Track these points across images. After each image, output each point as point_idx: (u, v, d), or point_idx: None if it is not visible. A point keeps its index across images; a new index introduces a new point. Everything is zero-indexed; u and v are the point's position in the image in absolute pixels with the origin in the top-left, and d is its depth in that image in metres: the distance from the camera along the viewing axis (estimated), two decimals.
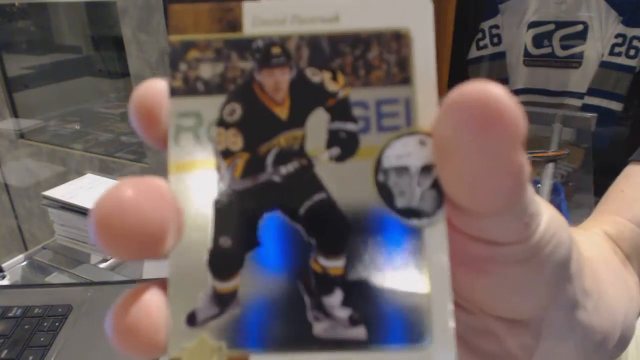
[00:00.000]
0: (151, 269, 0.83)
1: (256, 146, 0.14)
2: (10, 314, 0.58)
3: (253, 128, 0.14)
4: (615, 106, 1.17)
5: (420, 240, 0.13)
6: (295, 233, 0.14)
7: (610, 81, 1.15)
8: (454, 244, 0.15)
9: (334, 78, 0.14)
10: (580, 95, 1.23)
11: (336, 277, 0.14)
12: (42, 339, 0.54)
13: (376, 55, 0.14)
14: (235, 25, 0.14)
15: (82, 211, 0.77)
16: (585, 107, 1.21)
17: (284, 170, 0.14)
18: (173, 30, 0.14)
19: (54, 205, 0.79)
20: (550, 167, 1.01)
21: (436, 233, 0.14)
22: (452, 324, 0.13)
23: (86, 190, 0.81)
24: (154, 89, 0.14)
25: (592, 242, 0.30)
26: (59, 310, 0.59)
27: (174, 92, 0.14)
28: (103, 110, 1.81)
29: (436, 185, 0.14)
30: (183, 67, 0.14)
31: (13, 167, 1.92)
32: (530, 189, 0.14)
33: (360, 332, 0.13)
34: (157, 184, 0.13)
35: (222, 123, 0.14)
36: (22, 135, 1.86)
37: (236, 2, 0.14)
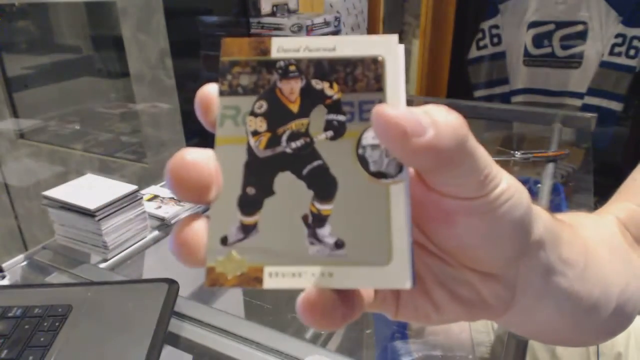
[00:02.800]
0: (150, 270, 0.83)
1: (275, 128, 0.20)
2: (10, 314, 0.58)
3: (274, 117, 0.20)
4: (615, 106, 1.17)
5: (386, 193, 0.19)
6: (300, 186, 0.20)
7: (610, 81, 1.15)
8: (431, 201, 0.21)
9: (331, 86, 0.20)
10: (580, 95, 1.23)
11: (327, 216, 0.20)
12: (42, 339, 0.54)
13: (360, 72, 0.20)
14: (265, 51, 0.21)
15: (82, 211, 0.77)
16: (585, 107, 1.21)
17: (294, 145, 0.20)
18: (224, 53, 0.21)
19: (54, 205, 0.79)
20: (550, 167, 1.02)
21: (398, 189, 0.19)
22: (408, 251, 0.19)
23: (86, 190, 0.81)
24: (209, 90, 0.21)
25: (595, 224, 0.34)
26: (59, 310, 0.58)
27: (221, 93, 0.21)
28: (103, 111, 1.80)
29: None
30: (229, 77, 0.21)
31: (13, 167, 1.91)
32: (480, 155, 0.19)
33: (342, 253, 0.19)
34: (206, 152, 0.20)
35: (253, 113, 0.20)
36: (22, 135, 1.86)
37: (267, 37, 0.19)
